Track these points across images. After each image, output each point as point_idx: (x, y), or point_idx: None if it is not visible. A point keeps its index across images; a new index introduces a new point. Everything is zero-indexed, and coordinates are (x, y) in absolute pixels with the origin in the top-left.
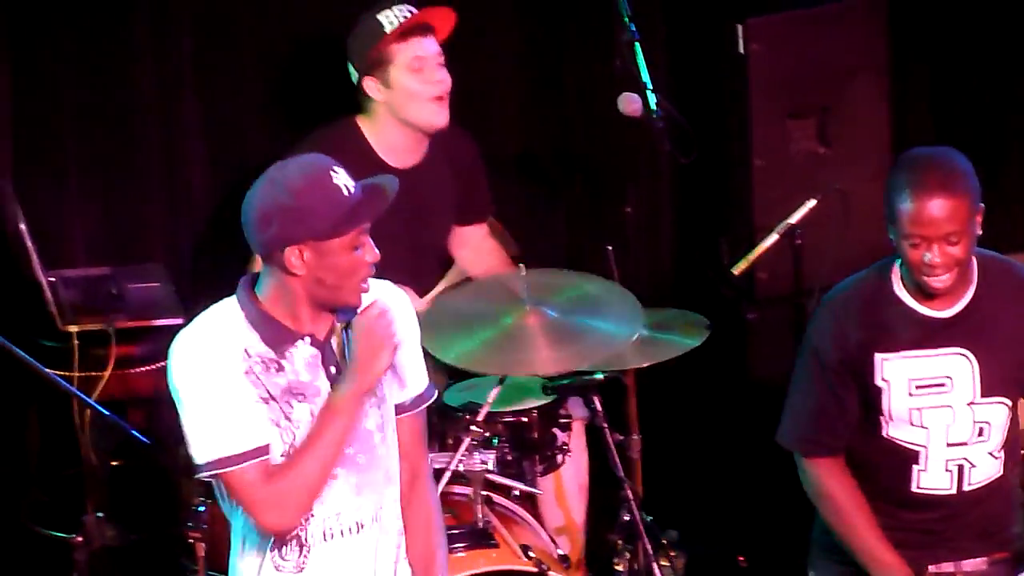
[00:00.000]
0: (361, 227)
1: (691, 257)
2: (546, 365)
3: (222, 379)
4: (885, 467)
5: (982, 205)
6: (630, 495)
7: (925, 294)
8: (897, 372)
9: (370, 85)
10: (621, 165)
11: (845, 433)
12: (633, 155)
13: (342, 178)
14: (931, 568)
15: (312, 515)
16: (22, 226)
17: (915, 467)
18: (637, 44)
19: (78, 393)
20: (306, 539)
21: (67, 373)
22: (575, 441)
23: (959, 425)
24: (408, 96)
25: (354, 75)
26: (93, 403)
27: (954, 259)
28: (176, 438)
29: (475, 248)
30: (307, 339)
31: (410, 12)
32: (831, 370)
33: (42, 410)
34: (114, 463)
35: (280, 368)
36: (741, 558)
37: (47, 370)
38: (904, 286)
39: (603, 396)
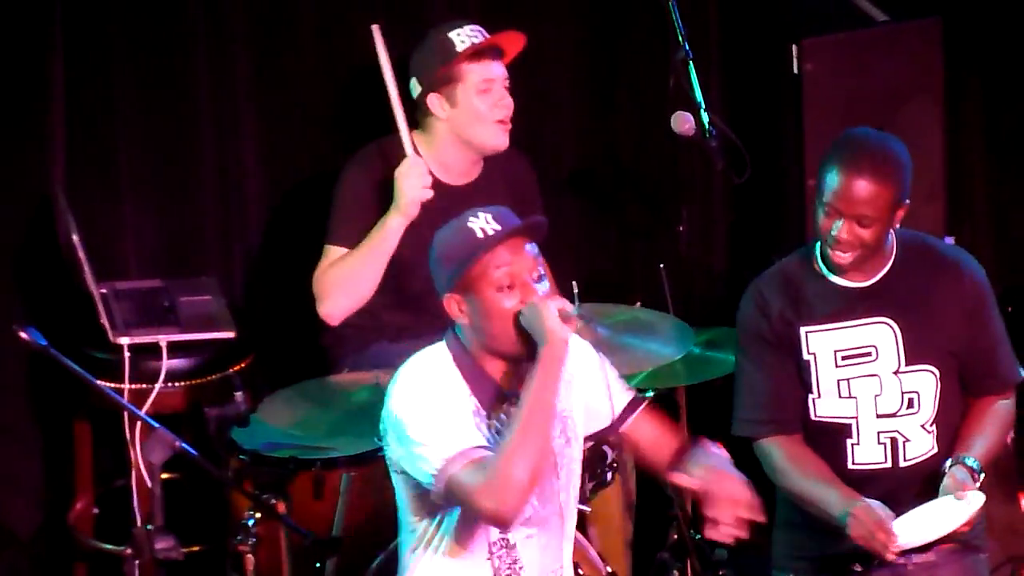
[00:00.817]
0: (507, 265)
1: (744, 276)
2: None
3: (449, 400)
4: (820, 448)
5: (908, 202)
6: (679, 514)
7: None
8: (822, 344)
9: (435, 102)
10: (675, 184)
11: (794, 408)
12: (687, 174)
13: (481, 221)
14: (875, 560)
15: (523, 566)
16: (75, 237)
17: (848, 441)
18: (691, 63)
19: (128, 405)
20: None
21: (118, 385)
22: (625, 459)
23: (887, 395)
24: (474, 116)
25: (416, 90)
26: (143, 415)
27: (860, 240)
28: (227, 451)
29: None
30: (514, 397)
31: (481, 33)
32: (768, 345)
33: (93, 422)
34: (164, 476)
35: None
36: None
37: (98, 382)
38: (824, 262)
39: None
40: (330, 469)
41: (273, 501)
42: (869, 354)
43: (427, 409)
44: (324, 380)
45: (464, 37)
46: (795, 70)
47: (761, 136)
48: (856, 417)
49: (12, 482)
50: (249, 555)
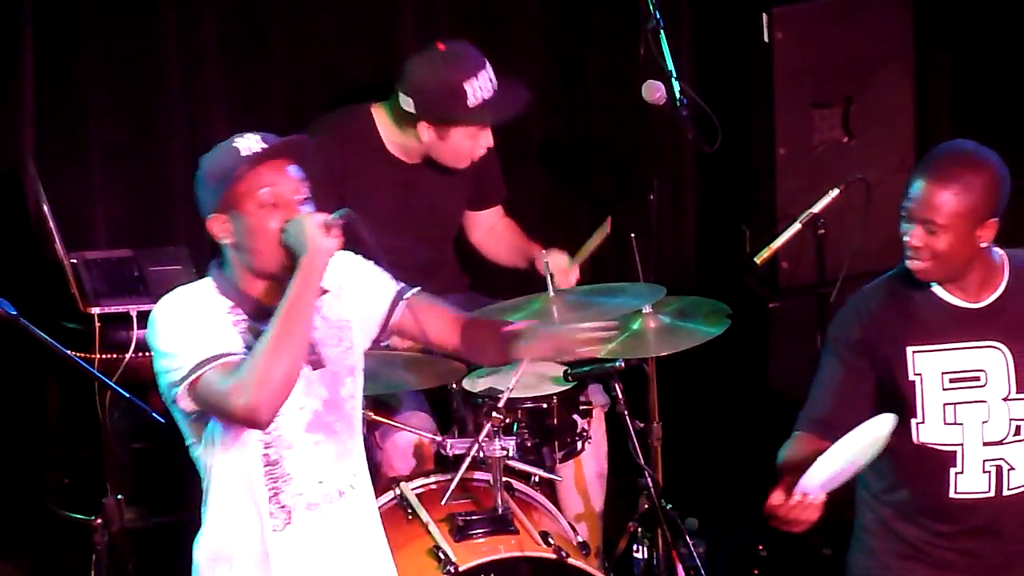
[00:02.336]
0: (271, 185)
1: (714, 246)
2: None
3: (204, 312)
4: (921, 475)
5: (995, 219)
6: (650, 483)
7: (954, 285)
8: (930, 365)
9: (424, 129)
10: (645, 153)
11: (841, 418)
12: (657, 143)
13: (247, 140)
14: None
15: (292, 478)
16: (45, 207)
17: (952, 470)
18: (662, 32)
19: (99, 375)
20: (290, 505)
21: (88, 355)
22: (595, 428)
23: (994, 422)
24: (455, 152)
25: (407, 105)
26: (114, 385)
27: (929, 248)
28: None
29: (490, 230)
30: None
31: (491, 86)
32: (849, 351)
33: (63, 392)
34: (134, 445)
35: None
36: (760, 546)
37: (68, 352)
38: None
39: (624, 384)
40: None
41: None
42: (978, 379)
43: (179, 321)
44: None
45: (478, 91)
46: (765, 39)
47: (732, 105)
48: (962, 444)
49: None
50: None
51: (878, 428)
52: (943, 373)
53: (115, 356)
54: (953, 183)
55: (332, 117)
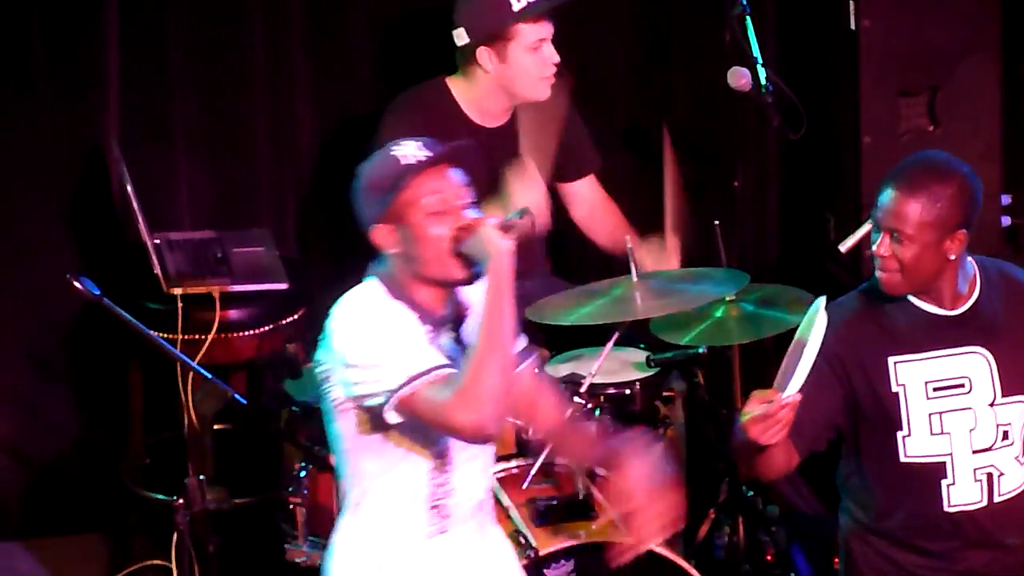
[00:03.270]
0: (436, 192)
1: (798, 233)
2: (649, 311)
3: (399, 321)
4: (912, 493)
5: (964, 231)
6: (731, 470)
7: (928, 295)
8: (912, 375)
9: (483, 55)
10: (729, 140)
11: (800, 429)
12: (742, 130)
13: (407, 149)
14: None
15: (453, 490)
16: (129, 188)
17: (943, 482)
18: (748, 18)
19: (181, 356)
20: (448, 515)
21: (171, 336)
22: (676, 414)
23: (982, 429)
24: (523, 72)
25: (462, 39)
26: (196, 366)
27: (896, 258)
28: (278, 403)
29: (592, 208)
30: (447, 321)
31: None
32: (822, 362)
33: (145, 372)
34: (216, 427)
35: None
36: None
37: (151, 332)
38: None
39: (707, 371)
40: None
41: (324, 453)
42: (962, 386)
43: (377, 330)
44: None
45: None
46: (852, 26)
47: (817, 92)
48: (951, 454)
49: (65, 432)
50: (300, 507)
51: (813, 311)
52: (927, 382)
53: (198, 337)
54: (921, 193)
55: (410, 93)
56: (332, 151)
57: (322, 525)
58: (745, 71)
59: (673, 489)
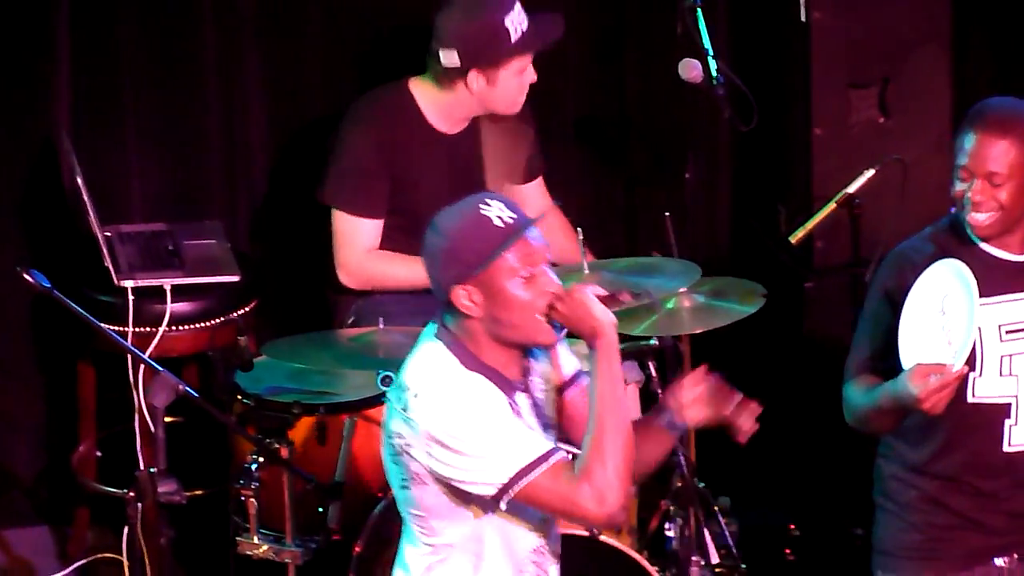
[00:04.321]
0: (525, 255)
1: (749, 225)
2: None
3: (492, 403)
4: (975, 433)
5: None
6: (683, 461)
7: (998, 239)
8: (985, 318)
9: (473, 78)
10: (681, 132)
11: (886, 357)
12: (693, 122)
13: (494, 209)
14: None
15: (550, 543)
16: (79, 180)
17: (1007, 422)
18: (699, 10)
19: (132, 349)
20: (553, 555)
21: (122, 328)
22: (630, 404)
23: None
24: (506, 93)
25: (452, 60)
26: (147, 359)
27: (996, 202)
28: (230, 395)
29: (534, 209)
30: (519, 384)
31: (526, 18)
32: (892, 302)
33: (96, 365)
34: (168, 419)
35: (518, 413)
36: (792, 526)
37: (102, 325)
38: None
39: (658, 362)
40: (334, 414)
41: (276, 445)
42: None
43: (475, 419)
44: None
45: (516, 25)
46: (803, 18)
47: (768, 84)
48: (1016, 396)
49: (15, 425)
50: (252, 499)
51: (944, 276)
52: (1000, 325)
53: (149, 330)
54: (1010, 133)
55: (372, 96)
56: (284, 144)
57: (274, 518)
58: (696, 63)
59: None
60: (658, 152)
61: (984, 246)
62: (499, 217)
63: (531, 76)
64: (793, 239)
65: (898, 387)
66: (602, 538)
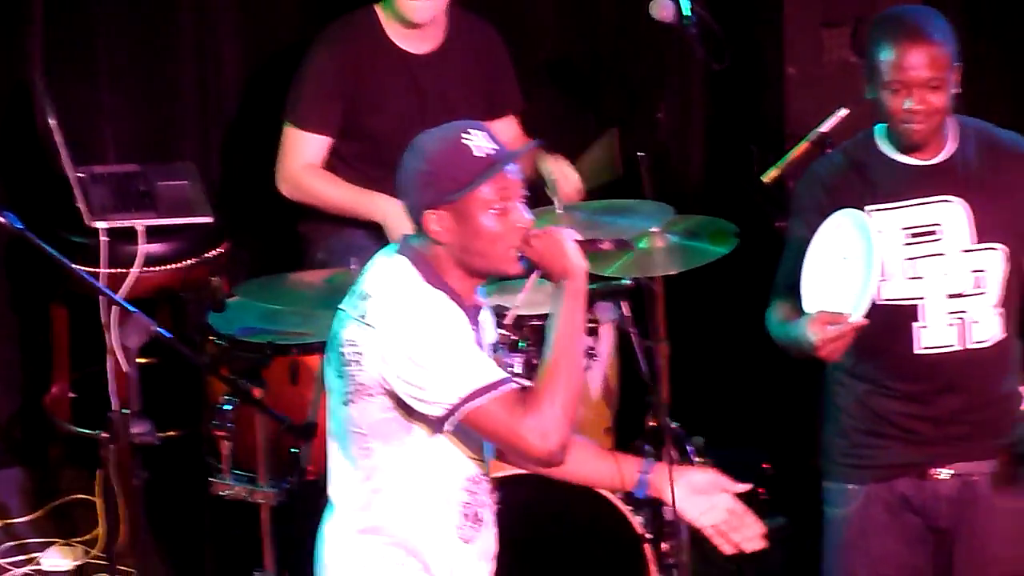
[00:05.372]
0: (501, 188)
1: (722, 164)
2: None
3: (454, 319)
4: (885, 332)
5: (960, 64)
6: (656, 400)
7: (909, 146)
8: (889, 222)
9: None
10: (653, 71)
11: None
12: (665, 61)
13: (476, 139)
14: (944, 468)
15: (484, 496)
16: (52, 121)
17: (915, 324)
18: None
19: (105, 290)
20: (482, 516)
21: (95, 269)
22: (603, 345)
23: (955, 274)
24: None
25: None
26: (120, 300)
27: (934, 107)
28: (203, 336)
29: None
30: (471, 313)
31: None
32: (813, 214)
33: (70, 306)
34: (141, 360)
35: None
36: (766, 464)
37: (74, 266)
38: (889, 142)
39: (631, 303)
40: (307, 354)
41: (249, 386)
42: (935, 232)
43: (436, 332)
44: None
45: None
46: None
47: (741, 24)
48: (923, 298)
49: None
50: (225, 440)
51: (849, 225)
52: (902, 228)
53: (121, 271)
54: (933, 37)
55: (338, 23)
56: (257, 85)
57: (247, 459)
58: (668, 2)
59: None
60: (631, 92)
61: (892, 154)
62: (480, 147)
63: None
64: (765, 179)
65: (798, 332)
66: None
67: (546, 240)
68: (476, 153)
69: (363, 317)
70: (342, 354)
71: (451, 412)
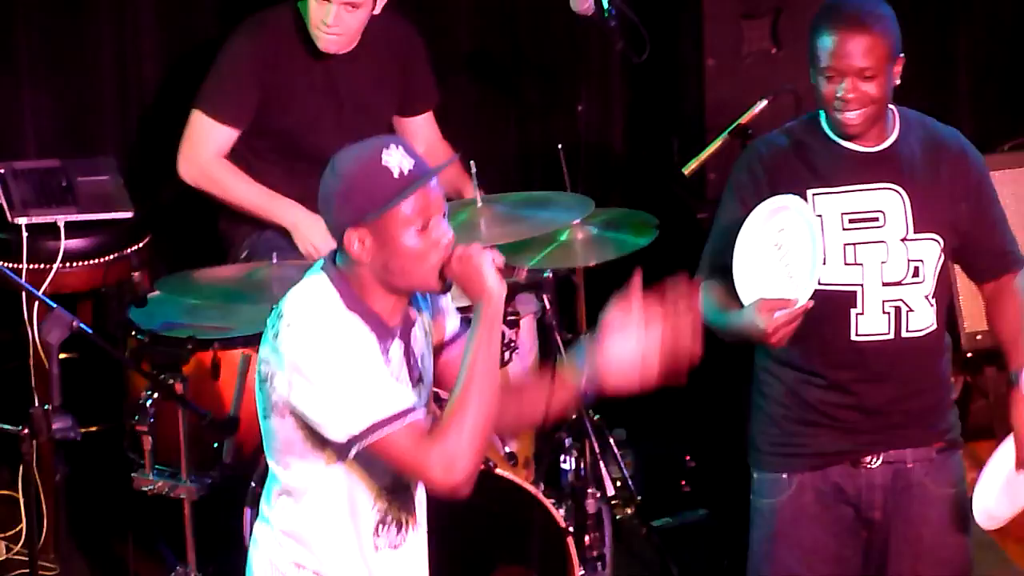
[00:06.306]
0: (421, 204)
1: (642, 156)
2: (494, 238)
3: (362, 348)
4: (823, 319)
5: (902, 55)
6: None
7: (843, 135)
8: (830, 207)
9: None
10: (573, 63)
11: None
12: (585, 54)
13: (394, 156)
14: (880, 455)
15: (409, 503)
16: None
17: (852, 311)
18: None
19: (26, 285)
20: (403, 522)
21: (15, 265)
22: (525, 337)
23: (893, 262)
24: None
25: None
26: (41, 295)
27: (868, 96)
28: (124, 331)
29: (426, 144)
30: (397, 331)
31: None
32: (750, 194)
33: None
34: (62, 356)
35: (388, 361)
36: (688, 457)
37: None
38: (832, 128)
39: (553, 295)
40: (228, 348)
41: (170, 381)
42: (876, 219)
43: (339, 358)
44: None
45: None
46: None
47: (660, 15)
48: (862, 285)
49: None
50: (147, 435)
51: (785, 212)
52: (843, 214)
53: (42, 266)
54: (870, 27)
55: (257, 16)
56: (177, 78)
57: (169, 454)
58: None
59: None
60: (551, 85)
61: (836, 139)
62: (398, 166)
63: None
64: (686, 170)
65: (744, 320)
66: (498, 471)
67: (466, 261)
68: (394, 171)
69: (276, 338)
70: (260, 370)
71: (353, 441)
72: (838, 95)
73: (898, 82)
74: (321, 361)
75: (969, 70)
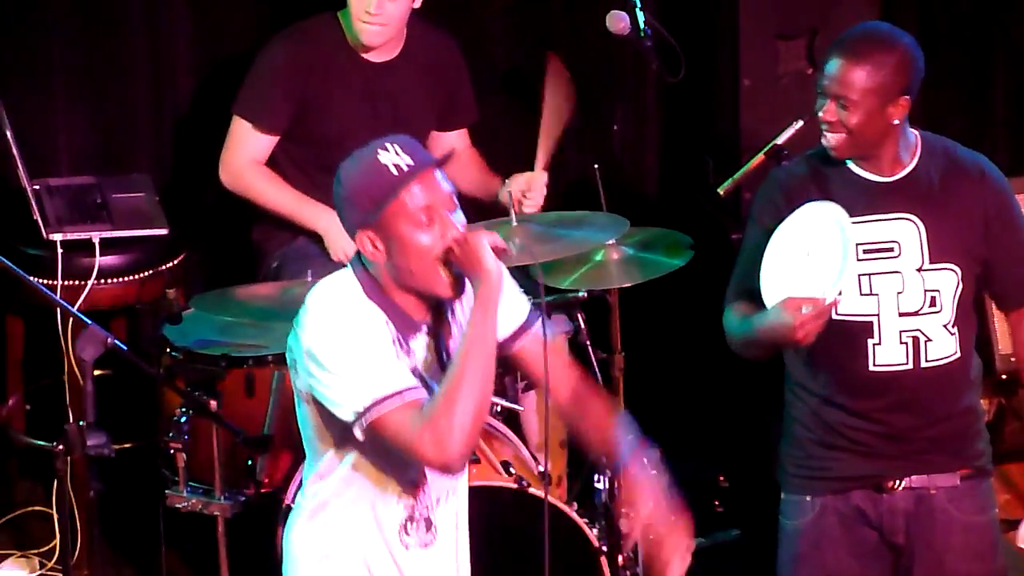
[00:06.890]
0: (425, 199)
1: (677, 177)
2: (529, 258)
3: (369, 332)
4: (839, 349)
5: (906, 97)
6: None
7: (868, 162)
8: None
9: None
10: (608, 84)
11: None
12: (621, 73)
13: (390, 154)
14: (902, 481)
15: (436, 497)
16: (8, 133)
17: (870, 341)
18: None
19: (61, 302)
20: (433, 521)
21: (51, 281)
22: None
23: (909, 293)
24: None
25: None
26: (76, 312)
27: (840, 122)
28: (159, 348)
29: (456, 158)
30: (423, 326)
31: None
32: (772, 220)
33: (25, 319)
34: (96, 372)
35: (409, 352)
36: (721, 477)
37: (30, 278)
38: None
39: (586, 314)
40: (262, 366)
41: (205, 398)
42: (892, 250)
43: (348, 341)
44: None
45: None
46: None
47: (696, 36)
48: (878, 315)
49: None
50: (180, 452)
51: (815, 213)
52: (858, 244)
53: (77, 283)
54: (866, 61)
55: (298, 24)
56: (212, 94)
57: (202, 471)
58: (624, 15)
59: (680, 510)
60: (586, 104)
61: (853, 167)
62: (394, 163)
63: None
64: (721, 191)
65: (771, 318)
66: (531, 491)
67: (464, 246)
68: (390, 168)
69: (297, 326)
70: (287, 359)
71: (359, 417)
72: (819, 113)
73: (896, 122)
74: (330, 345)
75: (1006, 95)
